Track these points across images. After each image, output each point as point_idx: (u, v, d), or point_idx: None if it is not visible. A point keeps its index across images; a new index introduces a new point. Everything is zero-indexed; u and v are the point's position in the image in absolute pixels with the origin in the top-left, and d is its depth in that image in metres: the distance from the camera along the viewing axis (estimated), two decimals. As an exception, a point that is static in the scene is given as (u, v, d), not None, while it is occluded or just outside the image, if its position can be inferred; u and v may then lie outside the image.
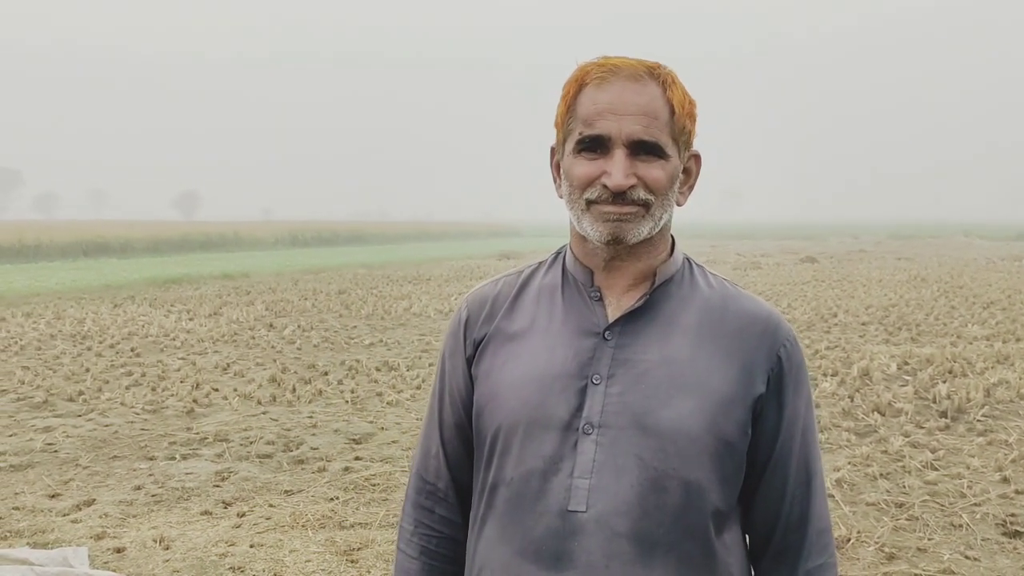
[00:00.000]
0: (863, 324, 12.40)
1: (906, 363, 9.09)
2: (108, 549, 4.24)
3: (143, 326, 12.33)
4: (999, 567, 4.07)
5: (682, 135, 1.23)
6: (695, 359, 1.23)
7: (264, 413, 7.14)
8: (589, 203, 1.21)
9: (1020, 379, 8.08)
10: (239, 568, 4.02)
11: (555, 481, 1.21)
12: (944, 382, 7.96)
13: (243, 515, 4.74)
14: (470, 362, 1.34)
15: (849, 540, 4.34)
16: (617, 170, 1.18)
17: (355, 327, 12.54)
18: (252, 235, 47.86)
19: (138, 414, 7.10)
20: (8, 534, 4.44)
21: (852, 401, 7.38)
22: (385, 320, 13.35)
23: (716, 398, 1.21)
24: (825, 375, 8.52)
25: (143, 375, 8.74)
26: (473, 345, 1.34)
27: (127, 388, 8.09)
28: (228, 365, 9.33)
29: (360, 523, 4.63)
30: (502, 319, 1.33)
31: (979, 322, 12.44)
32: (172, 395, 7.79)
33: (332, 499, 5.01)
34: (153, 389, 8.06)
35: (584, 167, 1.21)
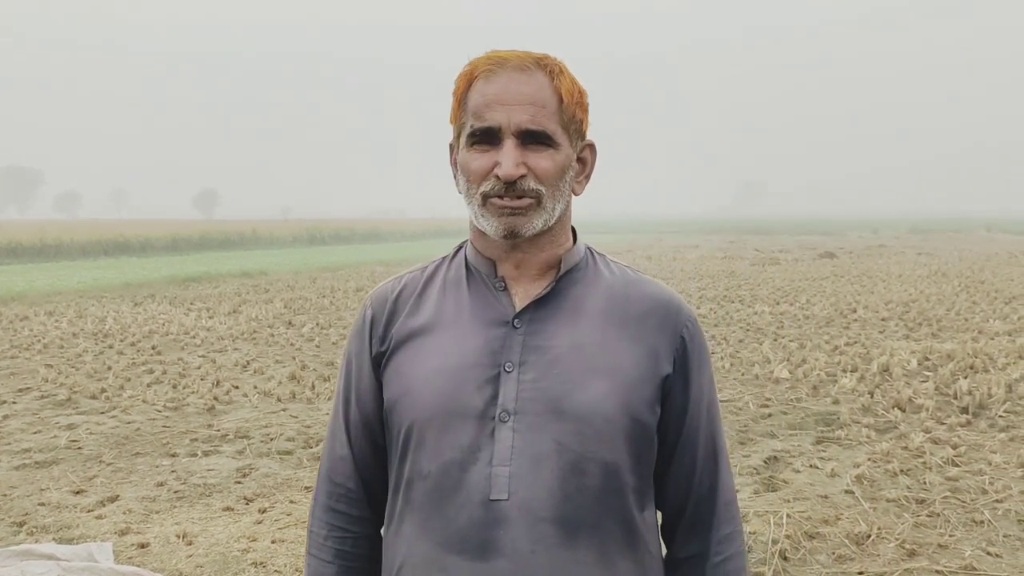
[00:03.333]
0: (883, 320, 12.32)
1: (927, 359, 9.03)
2: (132, 544, 4.29)
3: (163, 324, 12.43)
4: (1021, 563, 4.04)
5: (572, 124, 1.24)
6: (604, 342, 1.26)
7: (284, 410, 7.19)
8: (485, 197, 1.23)
9: (1043, 374, 8.01)
10: (261, 563, 4.05)
11: (474, 471, 1.22)
12: (965, 378, 7.91)
13: (264, 511, 4.78)
14: (377, 361, 1.34)
15: (869, 536, 4.33)
16: (507, 160, 1.19)
17: (373, 324, 12.57)
18: (270, 233, 48.11)
19: (160, 411, 7.17)
20: (34, 529, 4.50)
21: (872, 397, 7.34)
22: (403, 317, 13.38)
23: (627, 379, 1.24)
24: (845, 371, 8.48)
25: (164, 373, 8.81)
26: (380, 344, 1.34)
27: (149, 386, 8.17)
28: (248, 362, 9.40)
29: (380, 519, 4.65)
30: (408, 316, 1.33)
31: (1001, 317, 12.34)
32: (193, 392, 7.85)
33: (352, 495, 5.04)
34: (174, 386, 8.13)
35: (477, 160, 1.23)
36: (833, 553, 4.17)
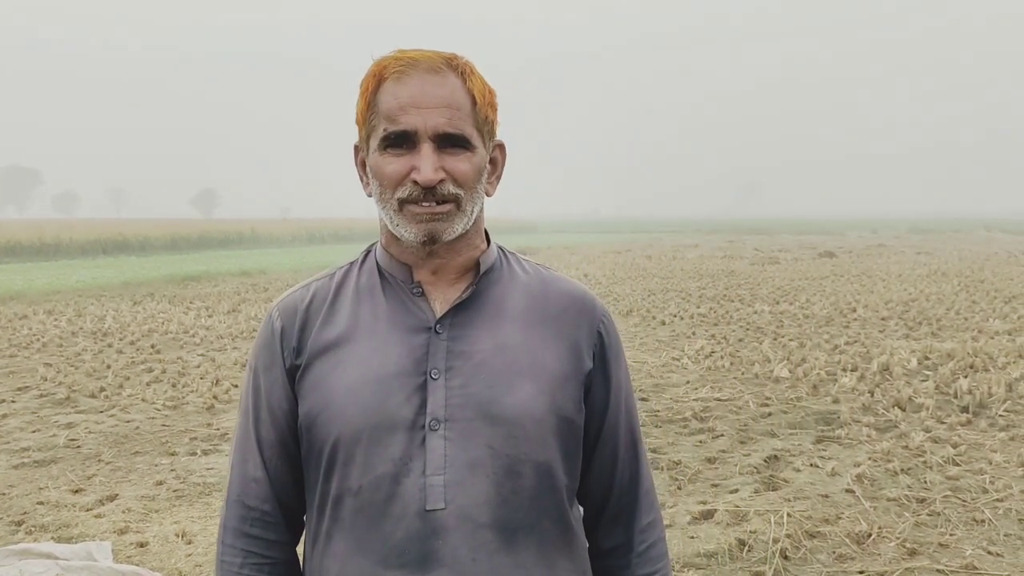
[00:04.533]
0: (883, 319, 12.32)
1: (927, 358, 9.02)
2: (131, 543, 4.28)
3: (163, 323, 12.42)
4: (1022, 562, 4.03)
5: (485, 125, 1.23)
6: (527, 343, 1.25)
7: (283, 409, 7.17)
8: (401, 203, 1.20)
9: (1043, 374, 8.01)
10: (260, 562, 4.04)
11: (408, 482, 1.19)
12: (965, 377, 7.90)
13: (264, 510, 4.77)
14: (291, 375, 1.27)
15: (870, 535, 4.32)
16: (425, 164, 1.17)
17: (373, 323, 12.57)
18: (269, 232, 48.12)
19: (159, 410, 7.16)
20: (33, 528, 4.49)
21: (872, 396, 7.34)
22: (402, 316, 13.38)
23: (552, 378, 1.24)
24: (845, 370, 8.48)
25: (163, 371, 8.80)
26: (294, 356, 1.27)
27: (148, 384, 8.16)
28: (247, 361, 9.36)
29: (380, 518, 4.65)
30: (322, 326, 1.27)
31: (1000, 316, 12.33)
32: (192, 391, 7.84)
33: (352, 494, 5.03)
34: (173, 385, 8.12)
35: (392, 164, 1.19)
36: (834, 552, 4.16)
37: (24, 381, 8.33)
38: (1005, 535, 4.35)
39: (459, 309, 1.26)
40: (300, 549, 1.34)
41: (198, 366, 9.13)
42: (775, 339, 10.63)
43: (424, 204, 1.19)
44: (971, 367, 8.49)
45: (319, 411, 1.23)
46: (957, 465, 5.46)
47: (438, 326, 1.24)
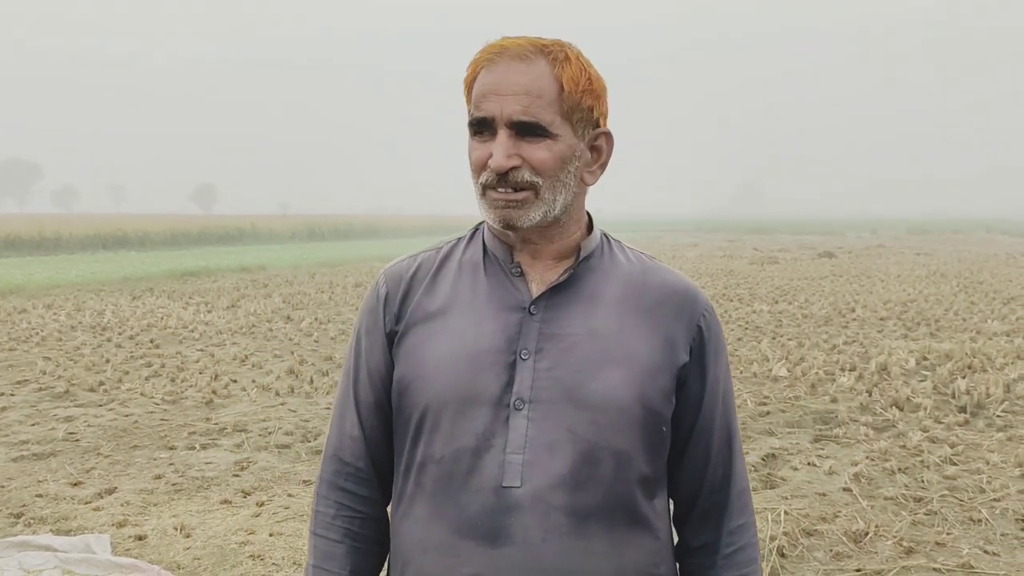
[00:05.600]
0: (881, 319, 12.33)
1: (925, 358, 9.03)
2: (130, 536, 4.28)
3: (162, 318, 12.41)
4: (1018, 562, 4.04)
5: (576, 112, 1.21)
6: (620, 331, 1.25)
7: (282, 404, 7.19)
8: (484, 188, 1.23)
9: (1040, 375, 8.02)
10: (259, 556, 4.05)
11: (488, 457, 1.22)
12: (963, 377, 7.92)
13: (263, 504, 4.78)
14: (390, 339, 1.33)
15: (867, 534, 4.33)
16: (498, 151, 1.18)
17: (372, 320, 12.57)
18: (269, 228, 48.08)
19: (158, 404, 7.16)
20: (32, 521, 4.50)
21: (870, 396, 7.35)
22: (402, 313, 13.37)
23: (643, 368, 1.23)
24: (843, 370, 8.49)
25: (162, 366, 8.81)
26: (394, 322, 1.32)
27: (147, 379, 8.16)
28: (246, 357, 9.39)
29: (378, 513, 4.65)
30: (423, 295, 1.32)
31: (999, 318, 12.34)
32: (191, 386, 7.85)
33: (350, 489, 5.03)
34: (172, 380, 8.13)
35: (477, 150, 1.22)
36: (831, 550, 4.17)
37: (23, 375, 8.33)
38: (1002, 534, 4.36)
39: (555, 292, 1.27)
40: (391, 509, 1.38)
41: (197, 361, 9.13)
42: (774, 338, 10.64)
43: (500, 190, 1.21)
44: (969, 367, 8.49)
45: (412, 378, 1.27)
46: (954, 465, 5.47)
47: (532, 307, 1.26)
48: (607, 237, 1.36)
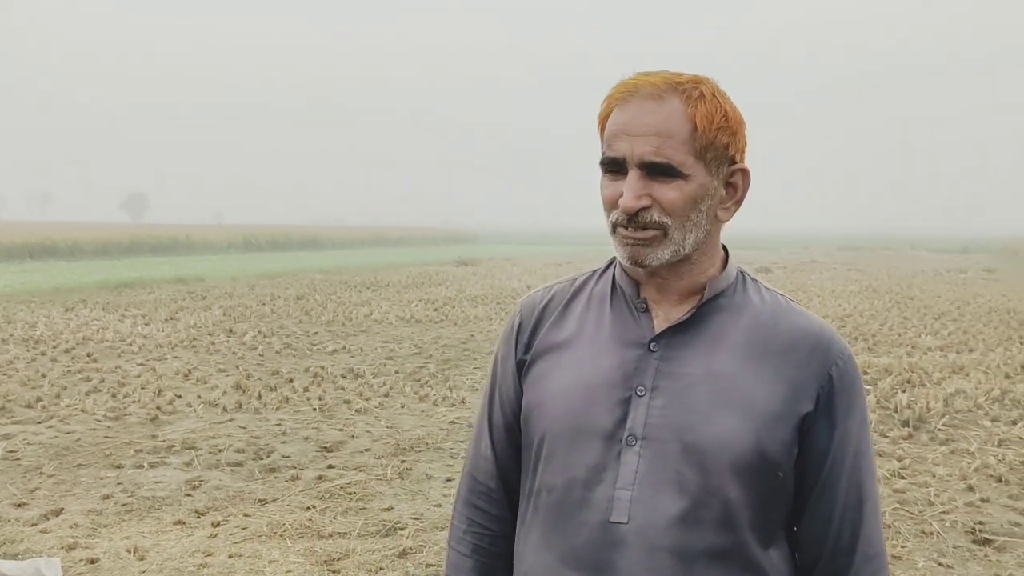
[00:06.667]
0: (821, 334, 12.58)
1: (865, 372, 9.25)
2: (81, 560, 4.13)
3: (97, 331, 12.04)
4: (971, 574, 4.16)
5: (710, 151, 1.19)
6: (740, 375, 1.22)
7: (231, 420, 7.03)
8: (614, 226, 1.23)
9: (976, 389, 8.30)
10: (218, 579, 3.94)
11: (598, 491, 1.22)
12: (904, 392, 8.13)
13: (218, 524, 4.65)
14: (520, 367, 1.36)
15: (825, 548, 4.40)
16: (628, 192, 1.19)
17: (316, 333, 12.41)
18: (204, 239, 47.03)
19: (100, 421, 6.94)
20: (-26, 545, 4.31)
21: (817, 410, 7.49)
22: (346, 327, 13.23)
23: (760, 415, 1.20)
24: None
25: (102, 381, 8.54)
26: (524, 351, 1.36)
27: (87, 394, 7.91)
28: (189, 371, 9.17)
29: (339, 532, 4.57)
30: (552, 327, 1.35)
31: (931, 333, 12.73)
32: (134, 402, 7.62)
33: (308, 508, 4.94)
34: (114, 395, 7.88)
35: (608, 188, 1.23)
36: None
37: (-46, 390, 7.99)
38: (954, 547, 4.48)
39: (677, 330, 1.26)
40: None
41: (138, 376, 8.88)
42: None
43: (628, 229, 1.21)
44: (908, 382, 8.74)
45: (534, 406, 1.31)
46: (903, 478, 5.62)
47: (652, 344, 1.26)
48: (743, 275, 1.33)
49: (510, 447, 1.39)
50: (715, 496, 1.19)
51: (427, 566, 4.16)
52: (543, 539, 1.27)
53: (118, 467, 5.69)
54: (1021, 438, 6.63)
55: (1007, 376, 9.11)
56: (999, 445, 6.42)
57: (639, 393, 1.23)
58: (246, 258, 38.13)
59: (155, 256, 38.52)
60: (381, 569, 4.12)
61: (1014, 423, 7.07)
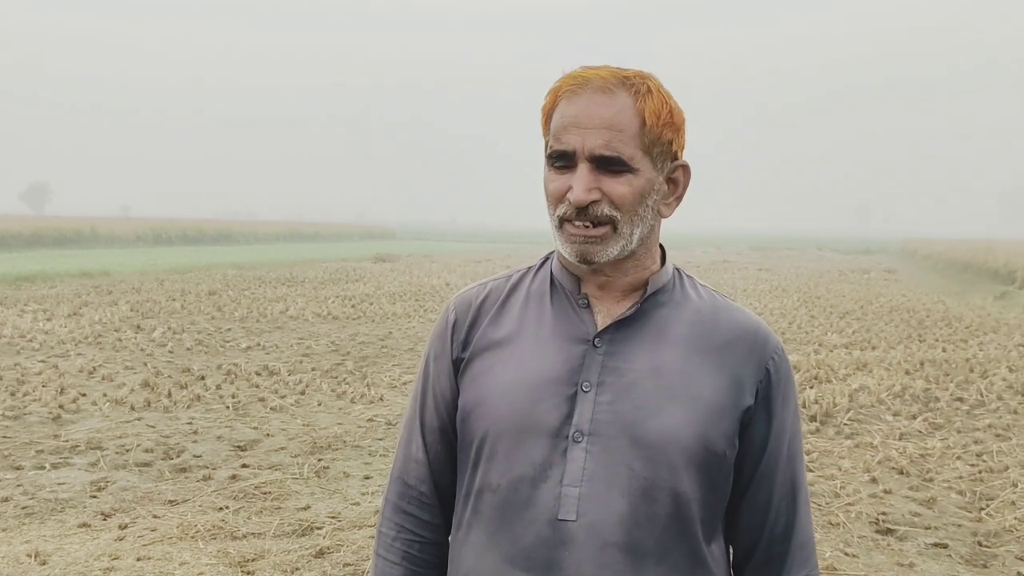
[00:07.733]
0: (733, 332, 12.90)
1: (776, 369, 9.52)
2: (-23, 566, 3.94)
3: (-4, 326, 11.51)
4: (876, 563, 4.32)
5: (656, 146, 1.20)
6: (685, 369, 1.23)
7: (139, 419, 6.80)
8: (561, 220, 1.22)
9: (878, 385, 8.63)
10: (126, 583, 3.81)
11: (544, 489, 1.21)
12: (811, 388, 8.42)
13: (125, 527, 4.49)
14: (456, 366, 1.33)
15: (738, 540, 4.51)
16: (578, 185, 1.18)
17: (229, 329, 12.11)
18: (110, 231, 45.38)
19: (-2, 421, 6.63)
20: None
21: (729, 406, 7.68)
22: (261, 323, 12.95)
23: (705, 409, 1.22)
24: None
25: (0, 379, 8.16)
26: (461, 349, 1.33)
27: (-17, 393, 7.54)
28: (94, 368, 8.83)
29: (253, 533, 4.47)
30: (489, 324, 1.32)
31: (837, 331, 13.19)
32: (35, 400, 7.31)
33: (221, 508, 4.82)
34: (12, 394, 7.54)
35: (555, 182, 1.22)
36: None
37: None
38: (859, 537, 4.65)
39: (620, 326, 1.25)
40: None
41: (39, 373, 8.51)
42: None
43: (577, 224, 1.20)
44: (816, 378, 9.04)
45: (473, 405, 1.28)
46: (811, 471, 5.80)
47: (597, 340, 1.25)
48: (680, 272, 1.35)
49: (444, 449, 1.35)
50: (664, 490, 1.20)
51: (344, 565, 4.10)
52: (488, 540, 1.24)
53: (17, 468, 5.45)
54: (920, 432, 6.93)
55: (907, 372, 9.50)
56: (900, 439, 6.69)
57: (584, 389, 1.23)
58: (155, 252, 37.00)
59: (58, 249, 37.00)
60: (297, 569, 4.04)
61: (914, 417, 7.39)
